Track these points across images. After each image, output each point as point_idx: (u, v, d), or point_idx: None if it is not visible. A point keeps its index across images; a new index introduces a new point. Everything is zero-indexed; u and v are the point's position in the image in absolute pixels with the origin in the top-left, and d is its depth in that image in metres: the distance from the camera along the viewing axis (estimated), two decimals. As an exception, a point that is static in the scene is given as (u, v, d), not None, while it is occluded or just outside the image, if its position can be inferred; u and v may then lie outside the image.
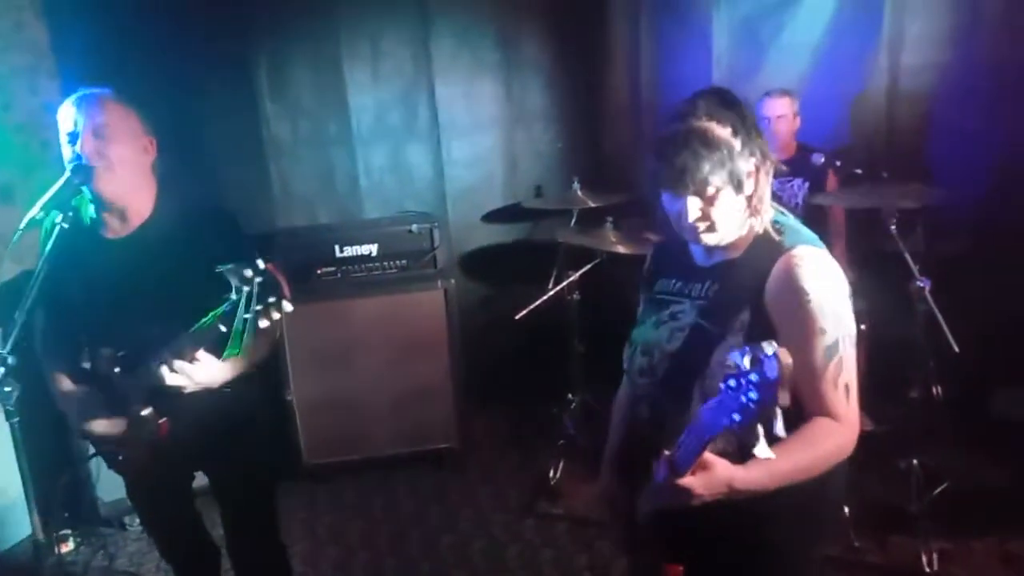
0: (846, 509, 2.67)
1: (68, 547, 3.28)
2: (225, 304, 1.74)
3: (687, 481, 1.31)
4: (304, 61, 3.87)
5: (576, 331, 3.61)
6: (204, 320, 1.78)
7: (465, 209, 4.15)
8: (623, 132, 4.18)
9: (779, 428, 1.11)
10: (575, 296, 3.54)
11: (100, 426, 2.06)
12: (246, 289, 1.69)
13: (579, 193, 3.60)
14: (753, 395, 1.12)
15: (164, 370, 1.84)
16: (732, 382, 1.17)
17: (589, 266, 3.45)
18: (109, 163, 1.91)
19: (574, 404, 3.66)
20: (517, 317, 3.38)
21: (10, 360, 1.53)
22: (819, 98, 3.65)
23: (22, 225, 1.70)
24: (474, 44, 4.00)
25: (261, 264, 1.71)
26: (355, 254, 3.58)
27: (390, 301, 3.54)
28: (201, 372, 1.88)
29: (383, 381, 3.56)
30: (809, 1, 3.73)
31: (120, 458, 2.11)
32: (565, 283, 3.48)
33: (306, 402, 3.55)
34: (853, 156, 3.29)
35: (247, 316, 1.70)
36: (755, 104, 3.43)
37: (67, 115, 1.94)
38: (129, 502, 3.03)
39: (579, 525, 3.18)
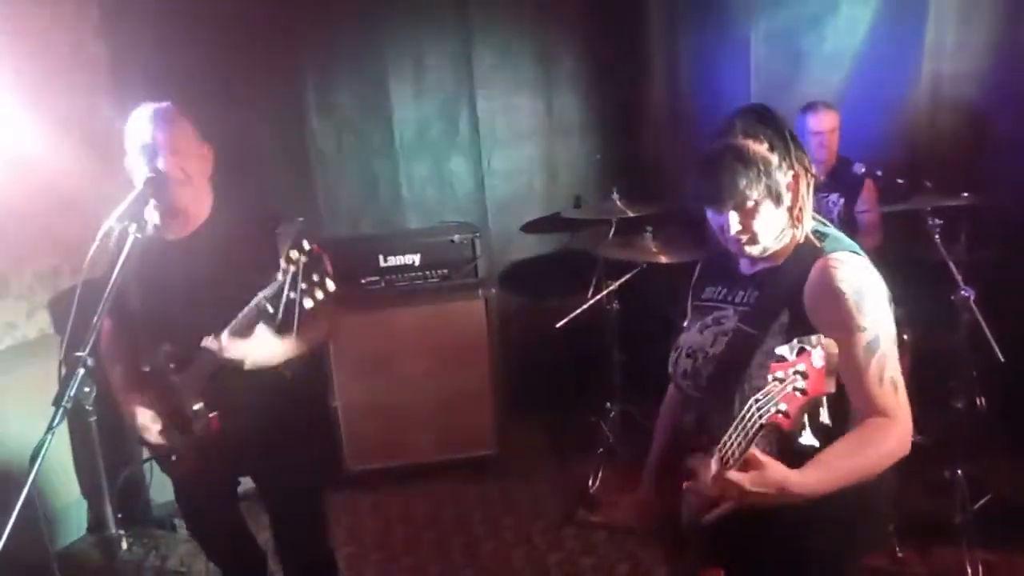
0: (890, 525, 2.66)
1: (121, 547, 3.38)
2: (272, 284, 1.83)
3: (737, 476, 1.32)
4: (350, 76, 3.97)
5: (615, 340, 3.64)
6: (253, 302, 1.87)
7: (505, 219, 4.21)
8: (661, 143, 4.21)
9: (824, 416, 1.15)
10: (614, 305, 3.58)
11: (153, 420, 2.14)
12: (292, 269, 1.77)
13: (618, 203, 3.63)
14: (800, 384, 1.17)
15: (222, 342, 1.91)
16: (780, 374, 1.21)
17: (628, 276, 3.48)
18: (181, 175, 2.02)
19: (613, 413, 3.68)
20: (557, 326, 3.42)
21: (89, 362, 1.62)
22: (859, 107, 3.64)
23: (99, 235, 1.79)
24: (514, 59, 4.07)
25: (307, 245, 1.79)
26: (398, 264, 3.66)
27: (432, 310, 3.61)
28: (258, 348, 1.95)
29: (425, 389, 3.62)
30: (847, 10, 3.73)
31: (173, 457, 2.20)
32: (604, 292, 3.51)
33: (349, 409, 3.62)
34: (894, 166, 3.28)
35: (292, 295, 1.78)
36: (797, 118, 3.44)
37: (138, 129, 2.03)
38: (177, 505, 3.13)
39: (619, 534, 3.20)
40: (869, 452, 1.39)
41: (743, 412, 1.31)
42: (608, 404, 3.70)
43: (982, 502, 2.86)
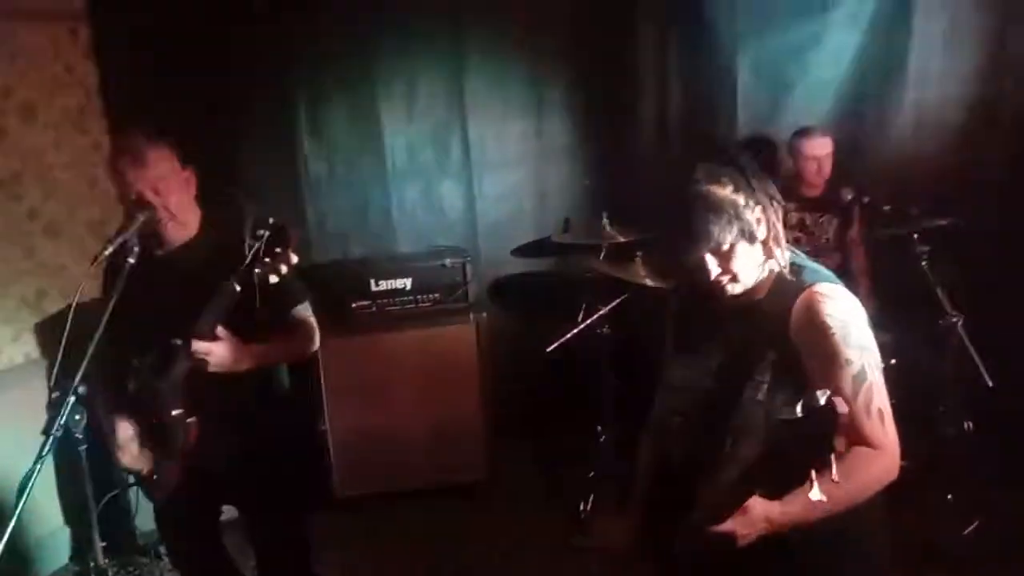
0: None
1: (107, 576, 3.32)
2: (240, 266, 1.85)
3: (727, 527, 1.37)
4: (341, 100, 3.97)
5: (606, 364, 3.64)
6: (219, 288, 1.88)
7: (495, 243, 4.19)
8: (650, 168, 4.23)
9: (834, 472, 1.15)
10: (605, 329, 3.58)
11: (132, 439, 2.14)
12: (255, 244, 1.77)
13: (608, 228, 3.64)
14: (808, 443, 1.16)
15: (186, 345, 1.92)
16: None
17: (619, 300, 3.49)
18: (165, 214, 2.04)
19: (604, 437, 3.67)
20: (548, 350, 3.42)
21: (80, 389, 1.60)
22: (845, 135, 3.70)
23: (93, 261, 1.79)
24: (505, 83, 4.08)
25: (271, 219, 1.80)
26: (389, 288, 3.65)
27: (423, 334, 3.60)
28: (222, 349, 1.95)
29: (415, 413, 3.60)
30: (833, 39, 3.80)
31: (155, 476, 2.17)
32: (595, 316, 3.52)
33: (340, 433, 3.59)
34: (880, 192, 3.33)
35: (258, 270, 1.80)
36: (790, 141, 3.50)
37: (120, 166, 2.04)
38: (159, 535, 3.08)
39: (612, 559, 3.17)
40: (853, 482, 1.40)
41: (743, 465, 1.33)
42: (599, 428, 3.69)
43: (971, 528, 2.86)
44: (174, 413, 2.05)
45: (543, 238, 4.16)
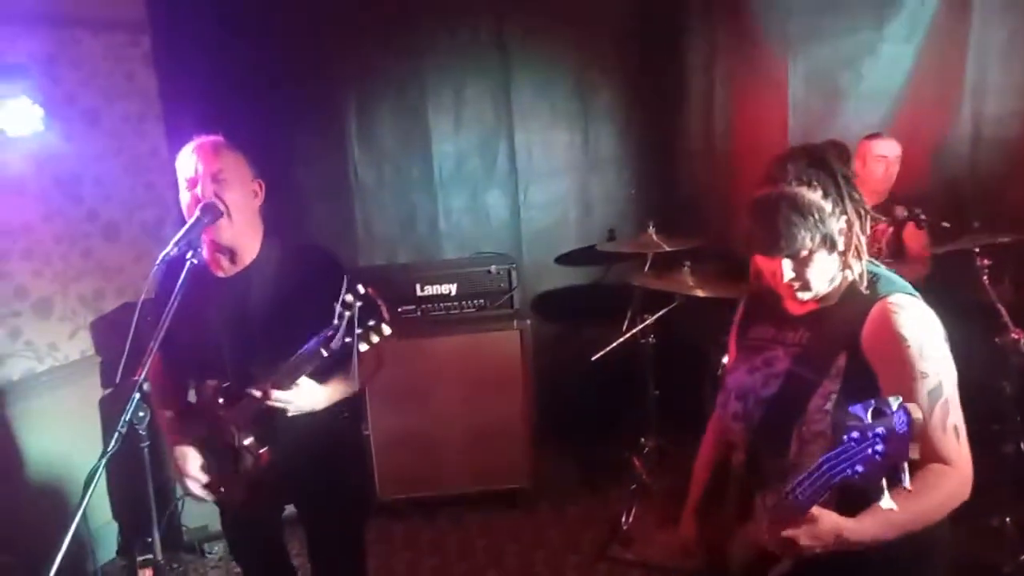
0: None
1: (149, 573, 3.37)
2: (328, 329, 1.81)
3: (791, 532, 1.32)
4: (390, 109, 4.04)
5: (650, 374, 3.61)
6: (307, 346, 1.85)
7: (539, 251, 4.22)
8: (697, 178, 4.21)
9: (906, 481, 1.12)
10: (650, 339, 3.55)
11: (198, 468, 2.13)
12: (347, 314, 1.77)
13: (654, 237, 3.62)
14: (879, 448, 1.14)
15: (267, 391, 1.91)
16: (855, 434, 1.18)
17: (665, 309, 3.46)
18: (225, 208, 2.00)
19: (647, 448, 3.64)
20: (593, 359, 3.41)
21: (145, 387, 1.63)
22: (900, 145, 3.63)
23: (158, 260, 1.82)
24: (552, 94, 4.11)
25: (362, 289, 1.79)
26: (435, 293, 3.67)
27: (467, 340, 3.60)
28: (302, 397, 1.95)
29: (458, 419, 3.60)
30: (888, 50, 3.74)
31: (221, 489, 2.16)
32: (641, 326, 3.49)
33: (382, 437, 3.61)
34: (936, 206, 3.25)
35: (348, 339, 1.77)
36: (863, 143, 3.45)
37: (186, 162, 2.03)
38: (215, 529, 3.11)
39: (653, 572, 3.15)
40: (928, 499, 1.36)
41: (812, 469, 1.29)
42: (642, 439, 3.66)
43: (1029, 553, 2.77)
44: (245, 443, 2.04)
45: (588, 246, 4.18)
